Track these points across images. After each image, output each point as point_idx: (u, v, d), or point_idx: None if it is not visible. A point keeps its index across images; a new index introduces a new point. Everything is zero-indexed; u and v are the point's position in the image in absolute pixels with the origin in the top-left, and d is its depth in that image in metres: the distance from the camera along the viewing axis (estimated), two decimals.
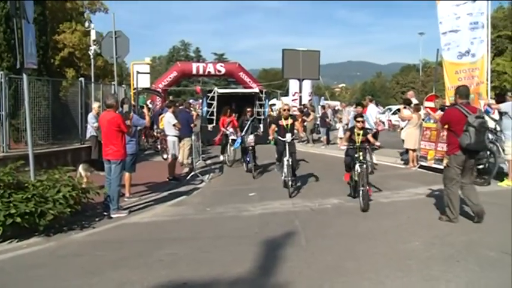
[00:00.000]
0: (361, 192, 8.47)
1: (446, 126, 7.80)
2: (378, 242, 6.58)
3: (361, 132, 9.22)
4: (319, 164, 14.20)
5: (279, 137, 10.42)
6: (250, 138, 12.99)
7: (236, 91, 25.71)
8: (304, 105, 23.41)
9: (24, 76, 8.03)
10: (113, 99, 8.54)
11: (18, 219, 6.58)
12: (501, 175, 10.65)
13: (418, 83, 60.64)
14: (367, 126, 11.92)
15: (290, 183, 9.89)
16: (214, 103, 21.25)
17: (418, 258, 5.83)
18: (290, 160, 10.03)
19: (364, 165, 8.82)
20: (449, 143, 7.62)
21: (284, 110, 10.88)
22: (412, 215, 8.11)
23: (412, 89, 35.96)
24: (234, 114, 15.47)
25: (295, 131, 11.12)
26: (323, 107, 24.45)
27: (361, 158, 8.89)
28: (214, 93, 21.76)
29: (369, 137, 9.39)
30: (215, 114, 20.73)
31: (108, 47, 14.78)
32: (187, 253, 6.21)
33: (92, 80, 16.43)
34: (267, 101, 23.49)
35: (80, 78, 15.32)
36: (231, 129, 14.76)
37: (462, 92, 7.70)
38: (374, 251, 6.15)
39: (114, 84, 16.31)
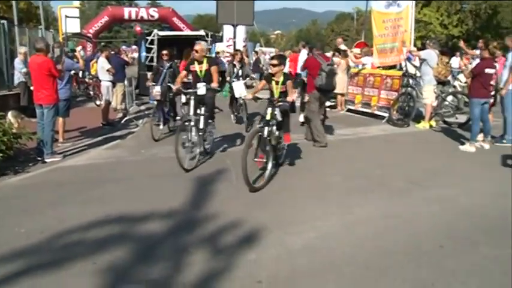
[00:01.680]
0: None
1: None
2: (303, 176, 7.15)
3: (280, 79, 6.88)
4: (251, 107, 14.54)
5: (189, 90, 7.86)
6: (156, 90, 9.99)
7: (179, 33, 23.67)
8: (238, 50, 23.46)
9: None
10: (43, 42, 8.29)
11: None
12: (419, 117, 11.54)
13: (353, 31, 61.74)
14: None
15: (197, 157, 7.74)
16: (154, 47, 19.15)
17: (337, 189, 6.47)
18: (200, 120, 7.67)
19: (266, 130, 6.46)
20: (309, 84, 9.38)
21: (196, 50, 8.06)
22: (336, 153, 8.75)
23: (347, 36, 36.66)
24: None
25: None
26: (256, 52, 24.67)
27: (268, 117, 6.54)
28: (154, 36, 19.36)
29: (289, 85, 6.86)
30: (155, 60, 18.90)
31: None
32: (123, 192, 6.46)
33: (15, 23, 15.59)
34: (214, 45, 21.36)
35: (2, 21, 14.57)
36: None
37: (318, 45, 10.31)
38: (298, 184, 6.73)
39: (41, 29, 15.70)
